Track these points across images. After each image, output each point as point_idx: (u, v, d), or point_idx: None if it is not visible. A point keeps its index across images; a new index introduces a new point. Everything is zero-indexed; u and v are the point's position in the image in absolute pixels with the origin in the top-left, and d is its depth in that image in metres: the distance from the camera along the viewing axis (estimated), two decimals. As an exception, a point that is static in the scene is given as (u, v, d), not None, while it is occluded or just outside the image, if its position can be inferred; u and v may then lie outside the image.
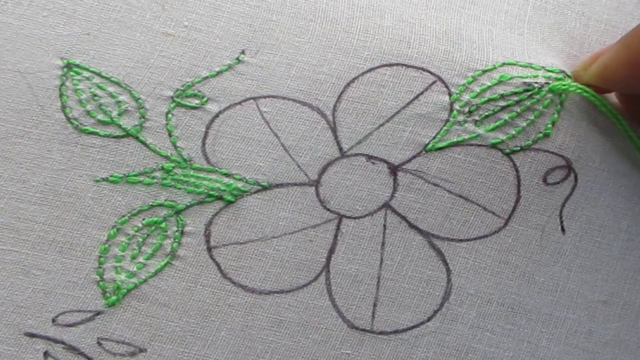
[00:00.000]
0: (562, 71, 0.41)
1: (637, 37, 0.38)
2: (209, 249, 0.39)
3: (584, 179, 0.41)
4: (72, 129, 0.39)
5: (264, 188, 0.40)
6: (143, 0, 0.41)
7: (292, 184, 0.40)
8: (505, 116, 0.40)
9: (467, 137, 0.40)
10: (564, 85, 0.40)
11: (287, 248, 0.39)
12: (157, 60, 0.40)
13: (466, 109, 0.40)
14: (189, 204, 0.39)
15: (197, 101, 0.40)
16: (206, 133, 0.40)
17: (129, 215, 0.39)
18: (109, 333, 0.38)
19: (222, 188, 0.39)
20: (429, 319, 0.39)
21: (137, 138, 0.40)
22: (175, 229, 0.39)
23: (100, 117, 0.40)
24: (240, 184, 0.39)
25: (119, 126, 0.40)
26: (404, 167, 0.40)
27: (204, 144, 0.40)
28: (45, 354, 0.38)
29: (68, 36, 0.40)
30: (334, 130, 0.40)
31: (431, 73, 0.40)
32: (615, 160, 0.41)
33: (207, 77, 0.40)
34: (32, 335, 0.38)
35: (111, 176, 0.39)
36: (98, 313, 0.38)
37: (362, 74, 0.40)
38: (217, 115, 0.40)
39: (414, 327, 0.39)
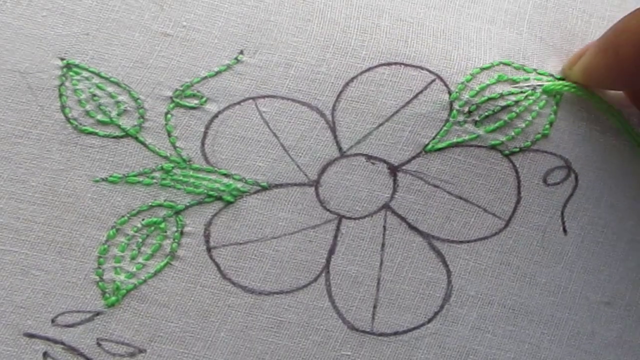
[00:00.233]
0: (551, 75, 0.41)
1: (611, 40, 0.38)
2: (209, 250, 0.39)
3: (585, 179, 0.41)
4: (72, 129, 0.39)
5: (264, 188, 0.39)
6: (142, 0, 0.41)
7: (291, 184, 0.39)
8: (505, 117, 0.40)
9: (466, 138, 0.40)
10: (557, 85, 0.40)
11: (286, 249, 0.39)
12: (156, 60, 0.40)
13: (466, 109, 0.40)
14: (188, 204, 0.39)
15: (196, 101, 0.40)
16: (205, 133, 0.40)
17: (128, 215, 0.39)
18: (109, 333, 0.38)
19: (221, 188, 0.39)
20: (429, 321, 0.39)
21: (136, 138, 0.40)
22: (175, 229, 0.39)
23: (100, 117, 0.40)
24: (239, 184, 0.39)
25: (118, 126, 0.40)
26: (403, 167, 0.40)
27: (203, 144, 0.40)
28: (45, 354, 0.38)
29: (67, 36, 0.40)
30: (333, 130, 0.40)
31: (430, 71, 0.40)
32: (616, 160, 0.41)
33: (206, 77, 0.40)
34: (31, 336, 0.38)
35: (110, 176, 0.39)
36: (97, 313, 0.38)
37: (361, 73, 0.40)
38: (216, 116, 0.40)
39: (414, 328, 0.39)
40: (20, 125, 0.39)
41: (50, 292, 0.38)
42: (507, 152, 0.40)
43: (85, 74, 0.40)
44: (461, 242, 0.40)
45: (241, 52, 0.40)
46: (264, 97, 0.40)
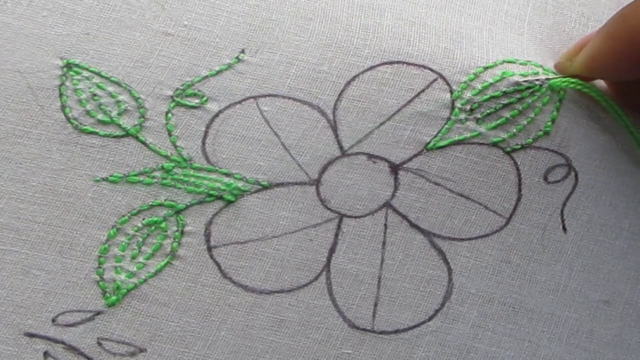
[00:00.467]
0: (555, 72, 0.41)
1: (620, 25, 0.38)
2: (209, 249, 0.39)
3: (585, 177, 0.41)
4: (72, 128, 0.39)
5: (264, 187, 0.39)
6: (143, -1, 0.41)
7: (292, 183, 0.40)
8: (507, 114, 0.40)
9: (468, 136, 0.40)
10: (564, 81, 0.40)
11: (287, 247, 0.39)
12: (156, 59, 0.40)
13: (467, 107, 0.40)
14: (189, 203, 0.39)
15: (197, 100, 0.40)
16: (206, 132, 0.40)
17: (128, 215, 0.39)
18: (109, 333, 0.38)
19: (222, 187, 0.39)
20: (430, 319, 0.39)
21: (137, 138, 0.40)
22: (175, 228, 0.39)
23: (100, 116, 0.40)
24: (240, 184, 0.39)
25: (119, 126, 0.40)
26: (405, 166, 0.40)
27: (204, 143, 0.40)
28: (45, 354, 0.38)
29: (68, 36, 0.40)
30: (334, 129, 0.40)
31: (432, 70, 0.40)
32: (616, 158, 0.41)
33: (207, 77, 0.40)
34: (32, 335, 0.38)
35: (111, 176, 0.39)
36: (98, 313, 0.38)
37: (363, 72, 0.40)
38: (217, 115, 0.40)
39: (415, 326, 0.39)
40: (21, 125, 0.39)
41: (50, 292, 0.38)
42: (508, 149, 0.40)
43: (85, 73, 0.40)
44: (462, 239, 0.40)
45: (242, 51, 0.40)
46: (265, 96, 0.40)
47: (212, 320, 0.39)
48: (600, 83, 0.42)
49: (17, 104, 0.39)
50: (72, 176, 0.39)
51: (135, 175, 0.39)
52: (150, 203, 0.39)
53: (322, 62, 0.40)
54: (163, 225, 0.39)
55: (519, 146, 0.40)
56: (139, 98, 0.40)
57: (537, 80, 0.40)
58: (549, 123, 0.40)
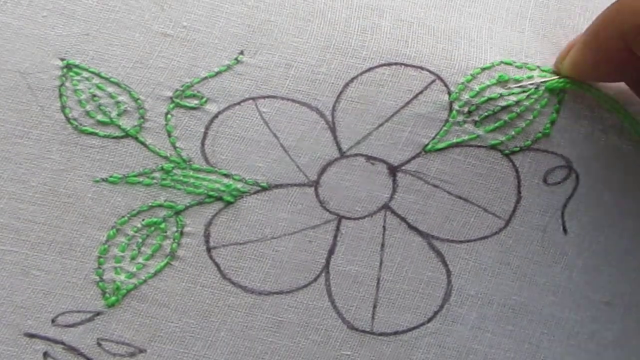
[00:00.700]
0: (554, 72, 0.41)
1: (594, 33, 0.38)
2: (209, 250, 0.39)
3: (586, 178, 0.40)
4: (72, 129, 0.39)
5: (264, 189, 0.39)
6: (142, 0, 0.41)
7: (291, 184, 0.40)
8: (505, 117, 0.40)
9: (466, 138, 0.40)
10: (561, 83, 0.40)
11: (286, 249, 0.39)
12: (156, 60, 0.40)
13: (465, 109, 0.40)
14: (188, 204, 0.39)
15: (196, 102, 0.40)
16: (205, 133, 0.40)
17: (128, 215, 0.39)
18: (109, 333, 0.38)
19: (221, 189, 0.39)
20: (429, 320, 0.39)
21: (136, 138, 0.40)
22: (175, 229, 0.39)
23: (100, 117, 0.40)
24: (239, 185, 0.39)
25: (119, 126, 0.40)
26: (403, 167, 0.40)
27: (203, 144, 0.40)
28: (45, 354, 0.38)
29: (67, 36, 0.40)
30: (333, 130, 0.40)
31: (430, 72, 0.40)
32: (617, 160, 0.41)
33: (206, 78, 0.40)
34: (31, 336, 0.38)
35: (111, 177, 0.39)
36: (98, 313, 0.38)
37: (361, 73, 0.40)
38: (216, 116, 0.40)
39: (414, 328, 0.39)
40: (21, 125, 0.39)
41: (50, 292, 0.38)
42: (507, 151, 0.40)
43: (85, 74, 0.40)
44: (461, 241, 0.40)
45: (241, 53, 0.40)
46: (264, 97, 0.40)
47: (211, 321, 0.39)
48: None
49: (17, 104, 0.39)
50: (72, 177, 0.39)
51: (135, 176, 0.39)
52: (150, 204, 0.39)
53: (321, 64, 0.40)
54: (163, 226, 0.39)
55: (518, 148, 0.40)
56: (138, 99, 0.40)
57: (531, 83, 0.40)
58: (548, 125, 0.40)
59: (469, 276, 0.40)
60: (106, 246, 0.39)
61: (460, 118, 0.40)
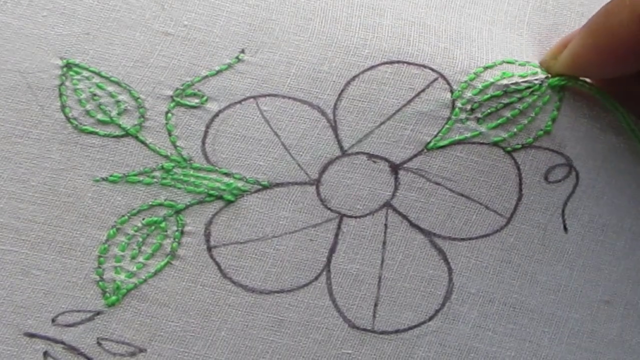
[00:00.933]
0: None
1: (602, 22, 0.38)
2: (209, 249, 0.39)
3: (586, 177, 0.41)
4: (72, 128, 0.39)
5: (264, 187, 0.39)
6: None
7: (292, 183, 0.40)
8: (507, 114, 0.40)
9: (468, 135, 0.40)
10: (563, 80, 0.40)
11: (287, 247, 0.39)
12: (156, 59, 0.40)
13: (468, 107, 0.40)
14: (188, 203, 0.39)
15: (196, 100, 0.40)
16: (206, 132, 0.40)
17: (128, 215, 0.39)
18: (109, 333, 0.38)
19: (222, 187, 0.39)
20: (430, 319, 0.39)
21: (136, 137, 0.39)
22: (175, 228, 0.39)
23: (100, 116, 0.40)
24: (240, 184, 0.39)
25: (119, 126, 0.39)
26: (405, 165, 0.40)
27: (203, 143, 0.40)
28: (45, 354, 0.38)
29: (67, 36, 0.40)
30: (334, 128, 0.40)
31: (433, 70, 0.40)
32: (618, 158, 0.41)
33: (206, 76, 0.40)
34: (31, 335, 0.38)
35: (111, 176, 0.39)
36: (98, 313, 0.38)
37: (363, 71, 0.40)
38: (217, 115, 0.40)
39: (415, 326, 0.39)
40: (21, 125, 0.39)
41: (50, 292, 0.38)
42: (509, 148, 0.40)
43: (85, 73, 0.40)
44: (462, 239, 0.40)
45: (242, 51, 0.40)
46: (265, 95, 0.40)
47: (212, 320, 0.38)
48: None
49: (17, 104, 0.39)
50: (72, 176, 0.39)
51: (135, 175, 0.39)
52: (150, 203, 0.39)
53: (322, 62, 0.40)
54: (163, 225, 0.39)
55: (520, 146, 0.40)
56: (138, 98, 0.40)
57: (536, 79, 0.40)
58: (550, 122, 0.40)
59: (470, 274, 0.40)
60: (106, 245, 0.39)
61: (462, 115, 0.40)
